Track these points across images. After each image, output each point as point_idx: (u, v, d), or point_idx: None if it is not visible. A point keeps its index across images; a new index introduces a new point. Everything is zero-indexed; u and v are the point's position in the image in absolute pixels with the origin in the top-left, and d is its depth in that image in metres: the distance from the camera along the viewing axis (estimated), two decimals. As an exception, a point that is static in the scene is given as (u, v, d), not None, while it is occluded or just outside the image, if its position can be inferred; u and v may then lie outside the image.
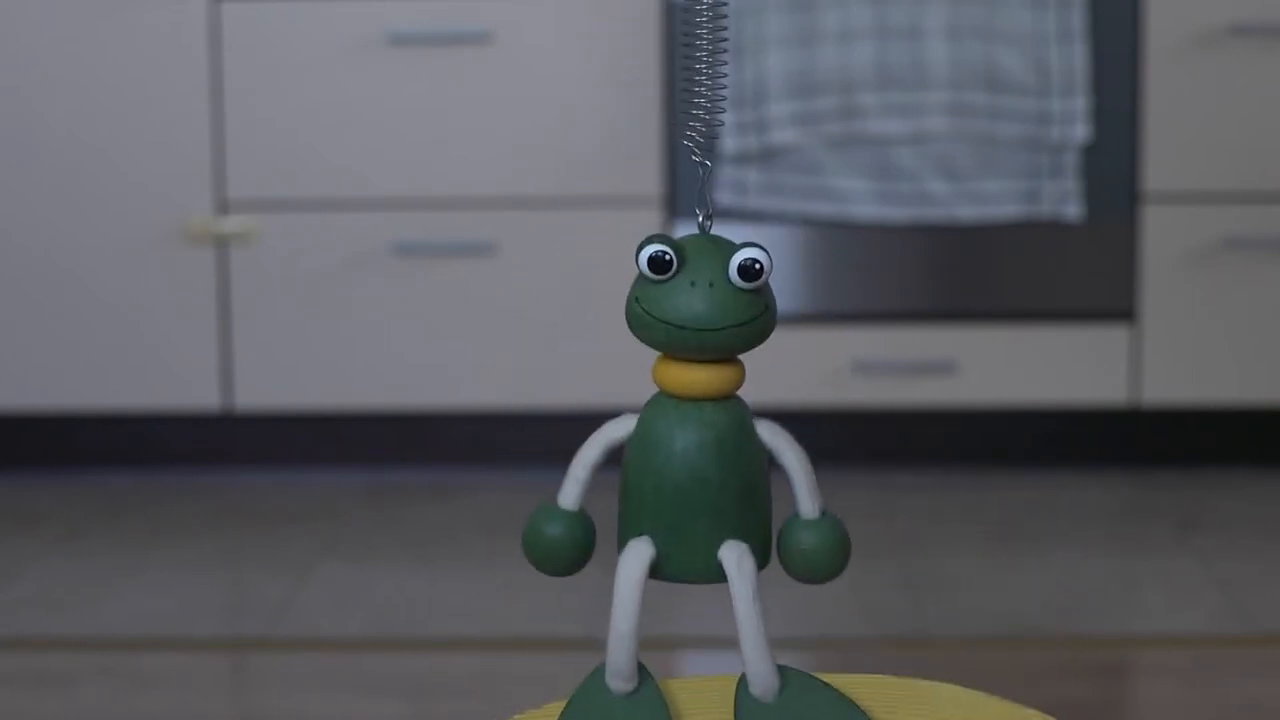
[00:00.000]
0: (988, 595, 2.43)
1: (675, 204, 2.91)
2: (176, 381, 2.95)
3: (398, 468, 3.05)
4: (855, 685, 1.06)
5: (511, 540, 2.70)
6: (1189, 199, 2.89)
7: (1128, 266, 2.91)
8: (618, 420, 1.02)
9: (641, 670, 1.03)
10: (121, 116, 2.91)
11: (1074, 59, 2.84)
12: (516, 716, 1.07)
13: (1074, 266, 2.91)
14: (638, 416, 1.01)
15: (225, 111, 2.91)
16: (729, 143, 2.86)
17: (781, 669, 1.02)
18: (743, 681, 1.02)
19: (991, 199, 2.87)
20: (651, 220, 2.90)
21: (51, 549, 2.68)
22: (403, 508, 2.87)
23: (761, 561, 1.01)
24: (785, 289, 2.93)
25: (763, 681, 1.01)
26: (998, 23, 2.84)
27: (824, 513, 1.01)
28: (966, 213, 2.88)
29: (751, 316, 0.98)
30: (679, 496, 0.99)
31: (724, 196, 2.89)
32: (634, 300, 0.99)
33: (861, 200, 2.88)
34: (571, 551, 1.03)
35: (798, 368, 2.93)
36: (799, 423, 3.02)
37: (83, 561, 2.62)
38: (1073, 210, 2.87)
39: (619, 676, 1.02)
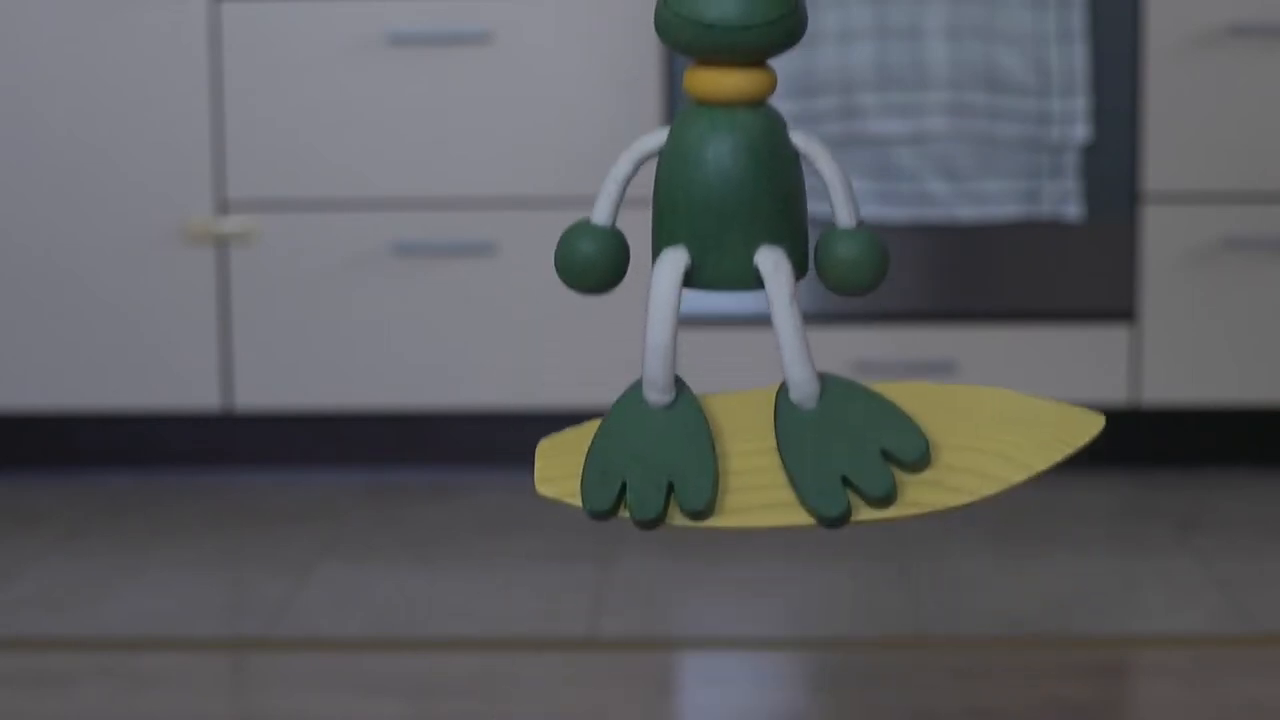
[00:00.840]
0: (988, 595, 2.43)
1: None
2: (176, 381, 2.95)
3: (398, 468, 3.05)
4: (898, 392, 1.04)
5: (512, 540, 2.70)
6: (1189, 199, 2.89)
7: (1128, 266, 2.91)
8: (649, 134, 1.00)
9: (679, 383, 1.00)
10: (121, 116, 2.91)
11: (1074, 59, 2.84)
12: (551, 436, 1.06)
13: (1074, 266, 2.91)
14: (669, 129, 0.99)
15: (225, 111, 2.91)
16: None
17: (823, 376, 1.00)
18: (783, 389, 1.00)
19: (991, 199, 2.87)
20: (651, 220, 2.90)
21: (51, 549, 2.68)
22: (403, 508, 2.87)
23: (799, 271, 0.99)
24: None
25: (803, 387, 0.98)
26: (998, 23, 2.84)
27: (861, 223, 1.00)
28: (966, 213, 2.88)
29: (782, 14, 0.96)
30: (713, 202, 0.97)
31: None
32: (663, 3, 0.97)
33: (862, 200, 2.88)
34: (606, 268, 1.00)
35: (798, 368, 2.93)
36: (799, 423, 3.02)
37: (83, 561, 2.62)
38: (1073, 210, 2.87)
39: (655, 388, 0.99)
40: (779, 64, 2.85)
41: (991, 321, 2.93)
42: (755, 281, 0.98)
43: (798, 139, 0.98)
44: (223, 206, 2.93)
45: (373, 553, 2.65)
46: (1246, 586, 2.46)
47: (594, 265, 0.99)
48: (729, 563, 2.57)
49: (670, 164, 0.97)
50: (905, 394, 1.04)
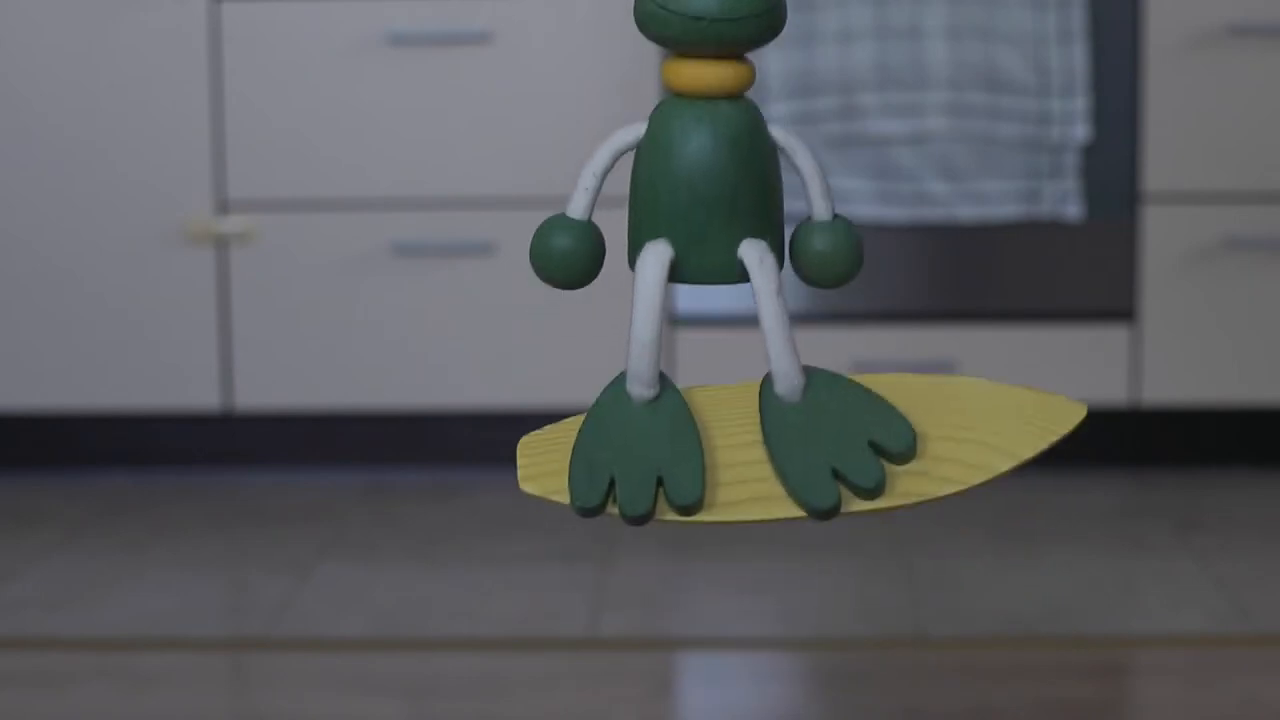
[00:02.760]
0: (988, 595, 2.43)
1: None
2: (176, 381, 2.95)
3: (398, 468, 3.05)
4: (882, 384, 1.04)
5: (512, 540, 2.70)
6: (1189, 199, 2.89)
7: (1128, 266, 2.91)
8: (626, 128, 1.00)
9: (663, 378, 1.00)
10: (121, 116, 2.91)
11: (1074, 59, 2.84)
12: (533, 433, 1.05)
13: (1074, 266, 2.91)
14: (646, 123, 0.99)
15: (225, 111, 2.91)
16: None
17: (808, 369, 1.00)
18: (767, 381, 1.00)
19: (991, 199, 2.87)
20: (651, 220, 2.90)
21: (51, 549, 2.68)
22: (403, 508, 2.87)
23: (778, 261, 0.99)
24: (785, 289, 2.93)
25: (788, 380, 0.98)
26: (998, 23, 2.84)
27: (836, 215, 1.00)
28: (966, 213, 2.88)
29: (767, 7, 0.96)
30: (696, 196, 0.97)
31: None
32: None
33: (861, 200, 2.88)
34: (582, 262, 1.00)
35: (798, 368, 2.93)
36: (799, 423, 3.02)
37: (83, 561, 2.62)
38: (1073, 210, 2.87)
39: (640, 382, 0.98)
40: (780, 64, 2.85)
41: (991, 321, 2.93)
42: (739, 274, 0.98)
43: (776, 132, 0.98)
44: (223, 206, 2.93)
45: (373, 553, 2.65)
46: (1246, 586, 2.46)
47: (570, 259, 0.99)
48: (729, 563, 2.57)
49: (651, 157, 0.97)
50: (889, 385, 1.04)
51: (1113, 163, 2.89)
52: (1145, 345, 2.92)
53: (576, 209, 0.99)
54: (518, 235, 2.92)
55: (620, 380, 1.00)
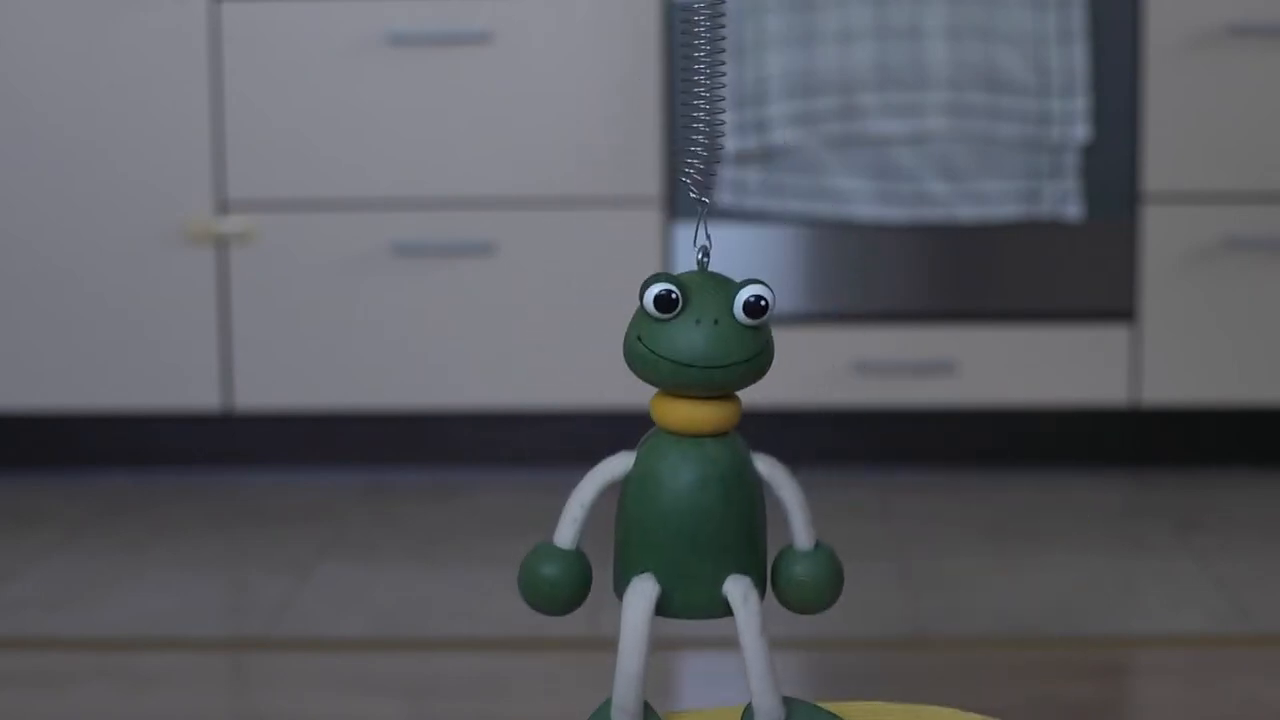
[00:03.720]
0: (988, 595, 2.43)
1: (675, 204, 2.91)
2: (176, 381, 2.95)
3: (398, 468, 3.05)
4: (858, 713, 1.06)
5: (512, 540, 2.70)
6: (1189, 199, 2.89)
7: (1128, 266, 2.91)
8: (614, 459, 1.02)
9: (646, 708, 1.03)
10: (121, 116, 2.91)
11: (1074, 59, 2.84)
12: None
13: (1074, 266, 2.91)
14: (634, 455, 1.01)
15: (225, 111, 2.91)
16: (729, 143, 2.86)
17: (786, 700, 1.02)
18: (748, 713, 1.02)
19: (991, 199, 2.87)
20: (651, 220, 2.90)
21: (51, 549, 2.68)
22: (403, 508, 2.87)
23: (760, 593, 1.01)
24: (785, 289, 2.93)
25: (769, 715, 1.01)
26: (998, 23, 2.84)
27: (818, 544, 1.02)
28: (966, 213, 2.88)
29: (755, 352, 0.98)
30: (683, 534, 0.99)
31: (724, 196, 2.89)
32: (636, 339, 0.99)
33: (861, 200, 2.88)
34: (569, 592, 1.03)
35: (798, 368, 2.93)
36: (799, 423, 3.02)
37: (83, 561, 2.62)
38: (1073, 210, 2.87)
39: (625, 714, 1.01)
40: (780, 64, 2.85)
41: (991, 321, 2.93)
42: (723, 609, 1.00)
43: (761, 466, 1.01)
44: (223, 206, 2.93)
45: (373, 553, 2.65)
46: (1246, 586, 2.46)
47: (557, 588, 1.02)
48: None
49: (640, 493, 1.00)
50: (864, 715, 1.06)
51: (1113, 163, 2.89)
52: (1145, 345, 2.92)
53: (563, 539, 1.02)
54: (518, 235, 2.92)
55: (605, 708, 1.02)
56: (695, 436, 0.99)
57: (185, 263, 2.93)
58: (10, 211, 2.93)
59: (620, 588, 1.01)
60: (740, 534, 1.00)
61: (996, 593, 2.44)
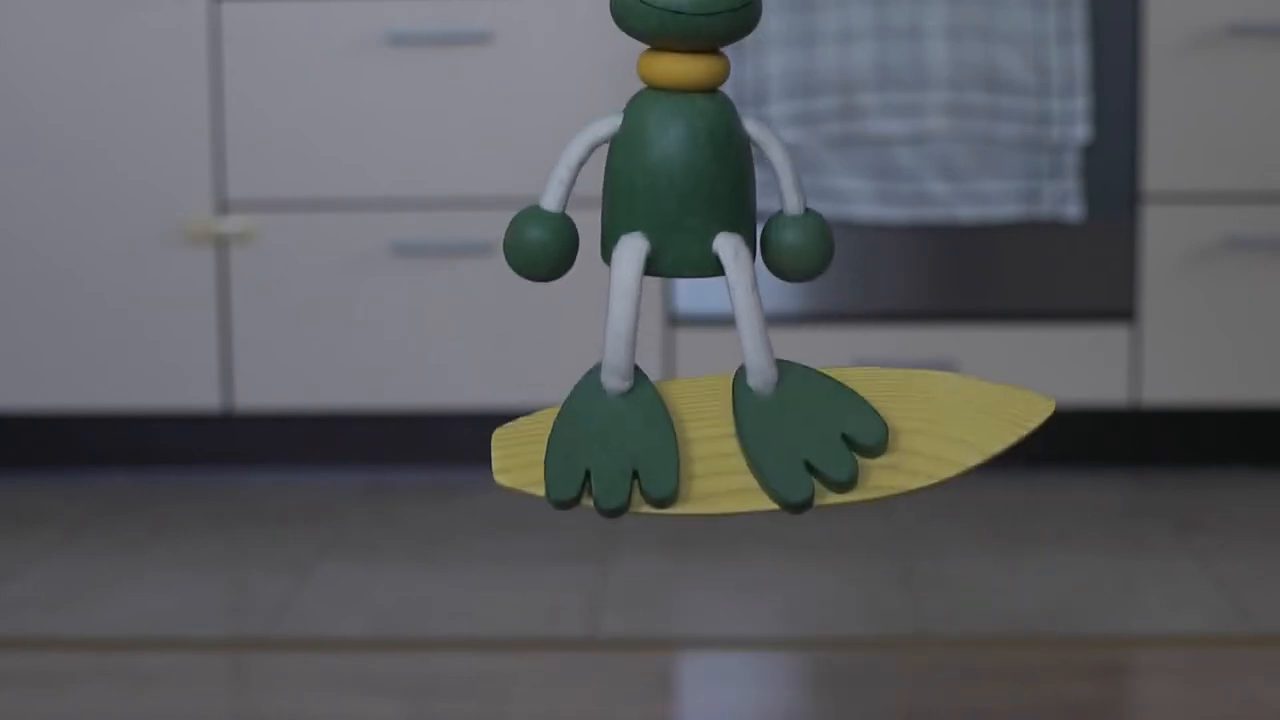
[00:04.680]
0: (987, 595, 2.43)
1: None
2: (176, 381, 2.95)
3: (398, 468, 3.05)
4: (854, 377, 1.05)
5: (512, 540, 2.70)
6: (1189, 199, 2.89)
7: (1128, 266, 2.91)
8: (601, 120, 1.00)
9: (637, 371, 1.01)
10: (121, 116, 2.91)
11: (1074, 59, 2.84)
12: (507, 425, 1.06)
13: (1074, 266, 2.91)
14: (621, 115, 1.00)
15: (225, 111, 2.91)
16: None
17: (780, 362, 1.01)
18: (740, 374, 1.01)
19: (991, 199, 2.87)
20: (651, 220, 2.90)
21: (51, 549, 2.68)
22: (403, 508, 2.87)
23: (751, 254, 1.00)
24: (785, 289, 2.93)
25: (761, 373, 0.99)
26: (998, 23, 2.84)
27: (807, 210, 1.01)
28: (966, 213, 2.88)
29: (744, 2, 0.97)
30: (673, 189, 0.98)
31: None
32: None
33: (861, 200, 2.88)
34: (556, 254, 1.01)
35: (798, 368, 2.93)
36: (799, 423, 3.02)
37: (83, 561, 2.62)
38: (1073, 210, 2.87)
39: (616, 374, 0.99)
40: (780, 64, 2.85)
41: (991, 321, 2.93)
42: (714, 267, 0.98)
43: (750, 125, 0.99)
44: (223, 206, 2.93)
45: (373, 553, 2.65)
46: (1246, 586, 2.46)
47: (545, 251, 1.00)
48: (729, 563, 2.57)
49: (627, 150, 0.98)
50: (860, 379, 1.05)
51: (1113, 163, 2.89)
52: (1145, 345, 2.92)
53: (550, 201, 1.00)
54: (518, 235, 2.92)
55: (595, 372, 1.00)
56: (685, 92, 0.98)
57: (185, 263, 2.93)
58: (10, 211, 2.93)
59: (608, 251, 1.00)
60: (729, 190, 0.98)
61: (996, 593, 2.44)
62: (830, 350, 2.92)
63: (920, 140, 2.86)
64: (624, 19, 0.98)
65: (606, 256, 0.99)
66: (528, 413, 3.01)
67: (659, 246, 0.98)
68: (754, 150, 1.01)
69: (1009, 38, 2.83)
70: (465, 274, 2.93)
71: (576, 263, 2.92)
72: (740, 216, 0.99)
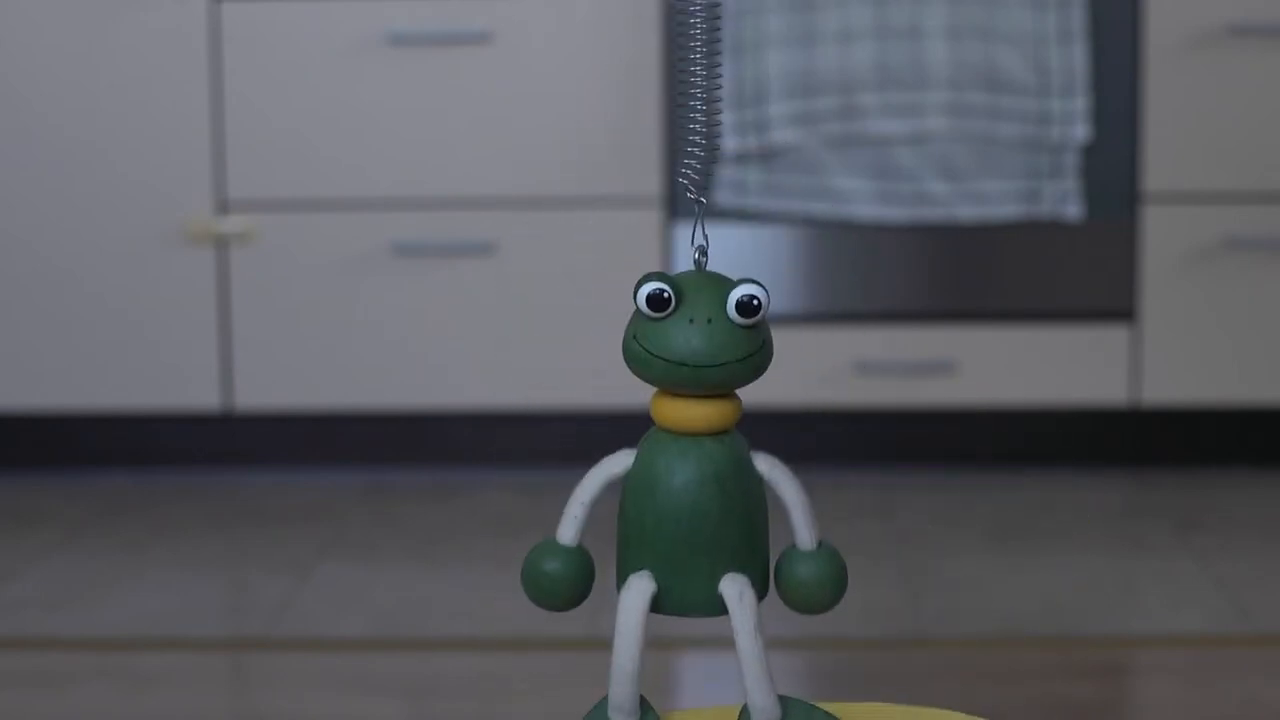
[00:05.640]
0: (988, 595, 2.43)
1: (675, 204, 2.91)
2: (176, 381, 2.95)
3: (398, 468, 3.05)
4: (857, 714, 1.06)
5: (512, 540, 2.70)
6: (1189, 199, 2.89)
7: (1128, 266, 2.91)
8: (615, 456, 1.02)
9: (643, 703, 1.03)
10: (121, 116, 2.91)
11: (1074, 59, 2.84)
12: None
13: (1074, 266, 2.91)
14: (635, 453, 1.01)
15: (225, 111, 2.91)
16: (729, 142, 2.86)
17: (782, 699, 1.02)
18: (744, 713, 1.03)
19: (991, 199, 2.87)
20: (651, 220, 2.90)
21: (51, 549, 2.68)
22: (403, 508, 2.87)
23: (761, 592, 1.01)
24: (785, 289, 2.93)
25: (764, 713, 1.01)
26: (998, 23, 2.84)
27: (821, 544, 1.02)
28: (966, 213, 2.88)
29: (749, 352, 0.98)
30: (680, 531, 1.00)
31: (724, 196, 2.89)
32: (632, 337, 0.99)
33: (861, 200, 2.88)
34: (571, 587, 1.03)
35: (798, 368, 2.93)
36: (799, 423, 3.02)
37: (83, 561, 2.62)
38: (1073, 210, 2.87)
39: (621, 712, 1.02)
40: (780, 64, 2.85)
41: (991, 321, 2.93)
42: (719, 608, 1.01)
43: (761, 464, 1.02)
44: (223, 206, 2.93)
45: (373, 553, 2.65)
46: (1246, 586, 2.46)
47: (560, 584, 1.03)
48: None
49: (638, 492, 1.01)
50: (863, 716, 1.06)
51: (1113, 163, 2.89)
52: (1145, 345, 2.92)
53: (565, 534, 1.03)
54: (518, 235, 2.92)
55: (601, 707, 1.03)
56: (693, 435, 1.00)
57: (185, 263, 2.93)
58: (10, 211, 2.93)
59: (620, 585, 1.02)
60: (738, 533, 1.00)
61: (996, 593, 2.44)
62: (830, 351, 2.92)
63: (920, 140, 2.86)
64: (634, 365, 1.00)
65: (620, 588, 1.03)
66: (526, 413, 3.02)
67: (666, 586, 1.01)
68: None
69: (1009, 38, 2.83)
70: (465, 274, 2.93)
71: (577, 266, 2.92)
72: (749, 556, 1.01)
